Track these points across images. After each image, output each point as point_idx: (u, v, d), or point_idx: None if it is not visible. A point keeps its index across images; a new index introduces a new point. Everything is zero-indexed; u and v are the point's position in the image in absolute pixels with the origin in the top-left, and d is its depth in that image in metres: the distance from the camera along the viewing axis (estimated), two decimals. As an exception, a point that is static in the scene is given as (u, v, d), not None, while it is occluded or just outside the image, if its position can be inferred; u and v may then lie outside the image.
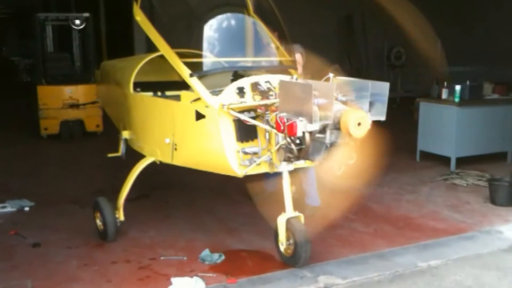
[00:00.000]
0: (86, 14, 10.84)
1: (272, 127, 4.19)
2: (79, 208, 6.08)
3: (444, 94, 7.87)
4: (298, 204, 4.81)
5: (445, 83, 7.99)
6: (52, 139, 10.19)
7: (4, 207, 6.13)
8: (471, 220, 5.65)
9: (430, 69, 11.72)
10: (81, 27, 10.88)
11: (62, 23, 11.52)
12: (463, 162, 7.69)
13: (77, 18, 10.83)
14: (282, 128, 3.95)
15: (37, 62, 10.93)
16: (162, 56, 5.30)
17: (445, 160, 7.74)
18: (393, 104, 12.79)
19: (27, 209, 6.14)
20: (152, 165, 5.18)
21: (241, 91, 4.42)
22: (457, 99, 7.60)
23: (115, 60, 7.49)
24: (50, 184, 7.23)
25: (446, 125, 7.75)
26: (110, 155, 6.04)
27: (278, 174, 4.62)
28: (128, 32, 15.10)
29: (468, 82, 7.77)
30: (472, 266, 4.51)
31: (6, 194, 6.44)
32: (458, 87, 7.59)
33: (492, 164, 7.69)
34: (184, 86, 4.90)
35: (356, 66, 15.59)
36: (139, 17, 4.98)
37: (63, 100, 10.39)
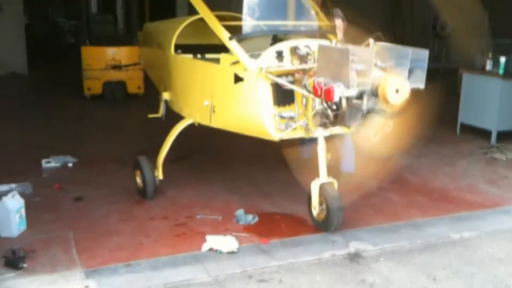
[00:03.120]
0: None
1: (309, 92, 4.21)
2: (120, 166, 6.25)
3: (488, 66, 7.69)
4: (333, 171, 4.82)
5: (490, 54, 7.78)
6: (95, 100, 10.42)
7: (49, 162, 6.36)
8: (508, 195, 5.58)
9: (476, 40, 11.41)
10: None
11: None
12: (504, 136, 7.54)
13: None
14: (319, 93, 3.97)
15: (81, 23, 11.12)
16: (203, 19, 5.37)
17: (486, 134, 7.61)
18: (436, 75, 12.61)
19: (70, 165, 6.36)
20: (191, 129, 5.28)
21: (279, 55, 4.45)
22: (501, 71, 7.41)
23: (157, 22, 7.56)
24: (92, 143, 7.44)
25: (488, 97, 7.59)
26: (150, 116, 6.16)
27: (313, 141, 4.67)
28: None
29: (512, 54, 7.56)
30: (506, 240, 4.48)
31: (50, 151, 6.65)
32: (503, 59, 7.39)
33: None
34: (224, 49, 4.96)
35: (400, 35, 15.27)
36: None
37: (106, 61, 10.58)
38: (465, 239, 4.46)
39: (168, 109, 5.92)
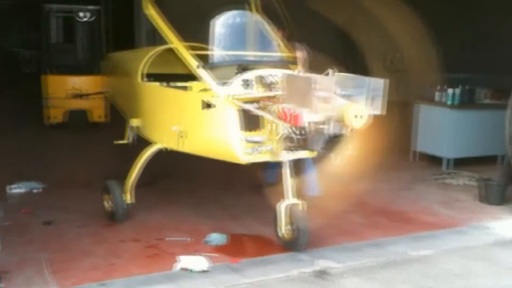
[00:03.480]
0: (97, 7, 11.10)
1: (276, 117, 4.46)
2: (89, 191, 6.30)
3: (437, 97, 8.18)
4: (298, 196, 5.07)
5: (439, 87, 8.28)
6: (57, 128, 10.43)
7: (15, 188, 6.38)
8: (460, 216, 5.96)
9: (428, 74, 12.00)
10: (88, 19, 11.12)
11: (67, 15, 11.77)
12: (455, 164, 7.99)
13: (83, 11, 11.05)
14: (288, 118, 4.23)
15: (42, 52, 11.17)
16: (168, 50, 5.63)
17: (439, 161, 8.04)
18: (390, 107, 13.16)
19: (36, 191, 6.40)
20: (158, 155, 5.43)
21: (246, 83, 4.70)
22: (449, 102, 7.90)
23: (123, 52, 7.76)
24: (59, 169, 7.48)
25: (439, 126, 8.06)
26: (116, 142, 6.29)
27: (277, 167, 4.92)
28: (128, 25, 15.41)
29: (460, 87, 8.06)
30: (460, 257, 4.79)
31: (17, 178, 6.66)
32: (450, 90, 7.90)
33: (484, 167, 7.94)
34: (187, 79, 5.24)
35: (355, 69, 15.85)
36: (148, 10, 5.21)
37: (67, 90, 10.63)
38: (422, 257, 4.75)
39: (137, 135, 6.08)
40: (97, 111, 10.86)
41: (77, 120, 10.67)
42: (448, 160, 8.00)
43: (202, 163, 5.33)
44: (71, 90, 10.60)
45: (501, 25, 10.44)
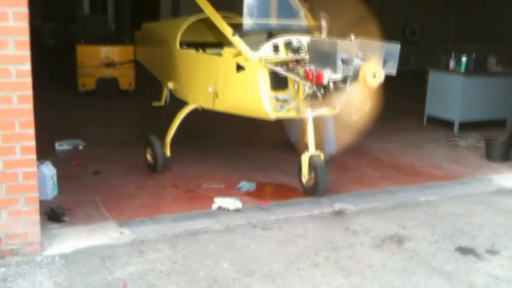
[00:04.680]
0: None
1: (301, 78, 5.06)
2: (127, 148, 7.01)
3: (452, 65, 8.69)
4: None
5: (453, 55, 8.78)
6: (89, 96, 11.11)
7: (61, 145, 7.07)
8: (467, 171, 6.55)
9: (442, 44, 12.42)
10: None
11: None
12: (466, 127, 8.53)
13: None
14: (310, 77, 4.83)
15: (77, 23, 11.81)
16: (199, 20, 6.33)
17: (450, 125, 8.59)
18: (406, 77, 13.63)
19: (81, 147, 7.09)
20: (186, 116, 6.05)
21: (276, 48, 5.28)
22: (462, 69, 8.41)
23: (156, 23, 8.37)
24: (97, 129, 8.16)
25: (451, 92, 8.59)
26: (154, 103, 6.95)
27: (298, 125, 5.53)
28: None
29: (473, 55, 8.56)
30: (463, 202, 5.39)
31: (60, 136, 7.35)
32: (464, 58, 8.41)
33: (492, 130, 8.45)
34: (217, 46, 5.91)
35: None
36: None
37: (100, 60, 11.29)
38: (430, 201, 5.36)
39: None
40: (127, 79, 11.48)
41: (109, 87, 11.33)
42: (460, 123, 8.54)
43: (227, 123, 5.92)
44: (103, 60, 11.26)
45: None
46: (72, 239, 4.22)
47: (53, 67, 13.50)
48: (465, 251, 4.25)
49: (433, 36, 15.82)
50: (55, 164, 6.17)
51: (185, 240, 4.28)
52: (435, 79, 8.97)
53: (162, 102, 6.90)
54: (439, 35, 15.74)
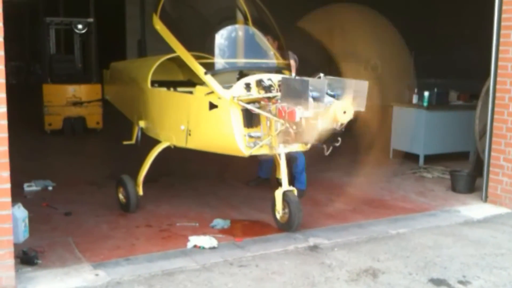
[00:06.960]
0: (90, 19, 11.75)
1: (274, 115, 5.16)
2: (97, 188, 6.96)
3: (414, 99, 8.97)
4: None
5: (416, 90, 9.08)
6: (55, 135, 11.01)
7: (30, 186, 6.97)
8: (434, 203, 6.71)
9: (403, 79, 12.83)
10: (84, 31, 11.75)
11: (65, 27, 12.38)
12: (431, 159, 8.78)
13: (80, 23, 11.69)
14: (283, 114, 4.93)
15: (43, 63, 11.80)
16: (170, 59, 6.48)
17: (415, 158, 8.82)
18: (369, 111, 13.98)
19: (50, 188, 7.00)
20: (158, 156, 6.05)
21: (247, 86, 5.39)
22: (425, 104, 8.70)
23: (125, 62, 8.44)
24: (64, 169, 8.09)
25: (415, 126, 8.86)
26: (125, 142, 6.94)
27: (269, 164, 5.60)
28: (119, 36, 16.09)
29: (435, 89, 8.88)
30: (433, 234, 5.52)
31: (28, 177, 7.24)
32: (426, 93, 8.71)
33: (455, 162, 8.72)
34: (188, 85, 6.07)
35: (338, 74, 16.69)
36: (159, 26, 5.88)
37: (67, 98, 11.24)
38: (400, 234, 5.48)
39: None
40: (95, 118, 11.46)
41: (76, 126, 11.26)
42: (425, 156, 8.78)
43: (197, 160, 5.95)
44: (70, 98, 11.21)
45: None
46: (47, 283, 4.16)
47: (17, 107, 13.29)
48: (437, 282, 4.35)
49: (395, 72, 16.29)
50: (24, 206, 6.10)
51: (162, 281, 4.26)
52: (399, 113, 9.24)
53: (133, 141, 6.90)
54: (400, 71, 16.22)
